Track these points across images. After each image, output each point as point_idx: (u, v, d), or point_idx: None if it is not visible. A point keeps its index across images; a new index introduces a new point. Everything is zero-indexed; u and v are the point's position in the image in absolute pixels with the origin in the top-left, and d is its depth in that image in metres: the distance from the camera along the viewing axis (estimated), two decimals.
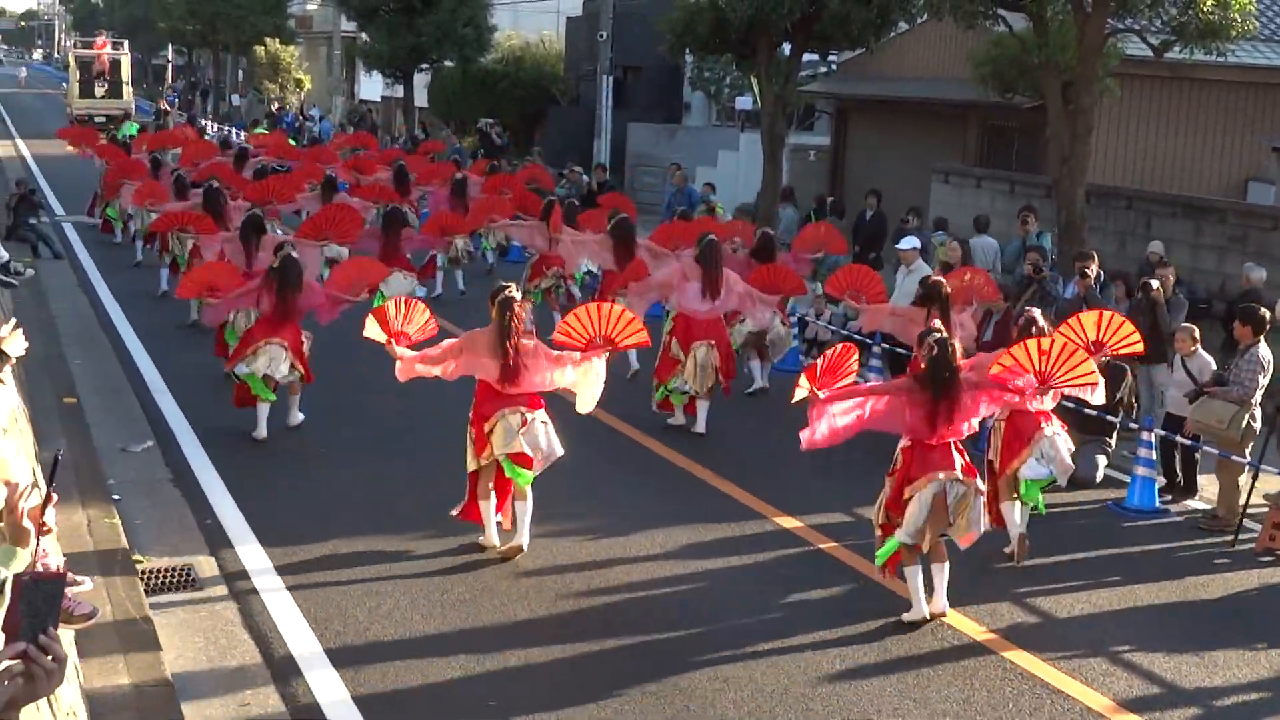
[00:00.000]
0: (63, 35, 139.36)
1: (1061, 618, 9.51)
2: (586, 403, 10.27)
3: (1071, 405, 12.73)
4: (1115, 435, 13.17)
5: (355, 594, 9.30)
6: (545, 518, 10.80)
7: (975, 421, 9.43)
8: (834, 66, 32.05)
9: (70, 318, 18.47)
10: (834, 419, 9.00)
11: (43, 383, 14.08)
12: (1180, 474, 12.76)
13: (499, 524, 10.38)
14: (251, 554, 9.95)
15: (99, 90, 55.21)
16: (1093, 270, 14.79)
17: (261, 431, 12.97)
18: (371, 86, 56.32)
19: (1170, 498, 12.55)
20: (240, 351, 13.12)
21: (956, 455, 9.12)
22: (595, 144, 33.85)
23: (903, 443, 9.27)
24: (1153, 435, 12.39)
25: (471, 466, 10.18)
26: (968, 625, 9.18)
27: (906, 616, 9.19)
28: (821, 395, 8.94)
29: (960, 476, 9.06)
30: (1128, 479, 12.52)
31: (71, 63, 58.44)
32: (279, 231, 18.58)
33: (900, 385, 9.31)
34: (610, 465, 12.80)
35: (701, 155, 33.48)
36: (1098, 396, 10.01)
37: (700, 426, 13.97)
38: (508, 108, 40.27)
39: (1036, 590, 9.97)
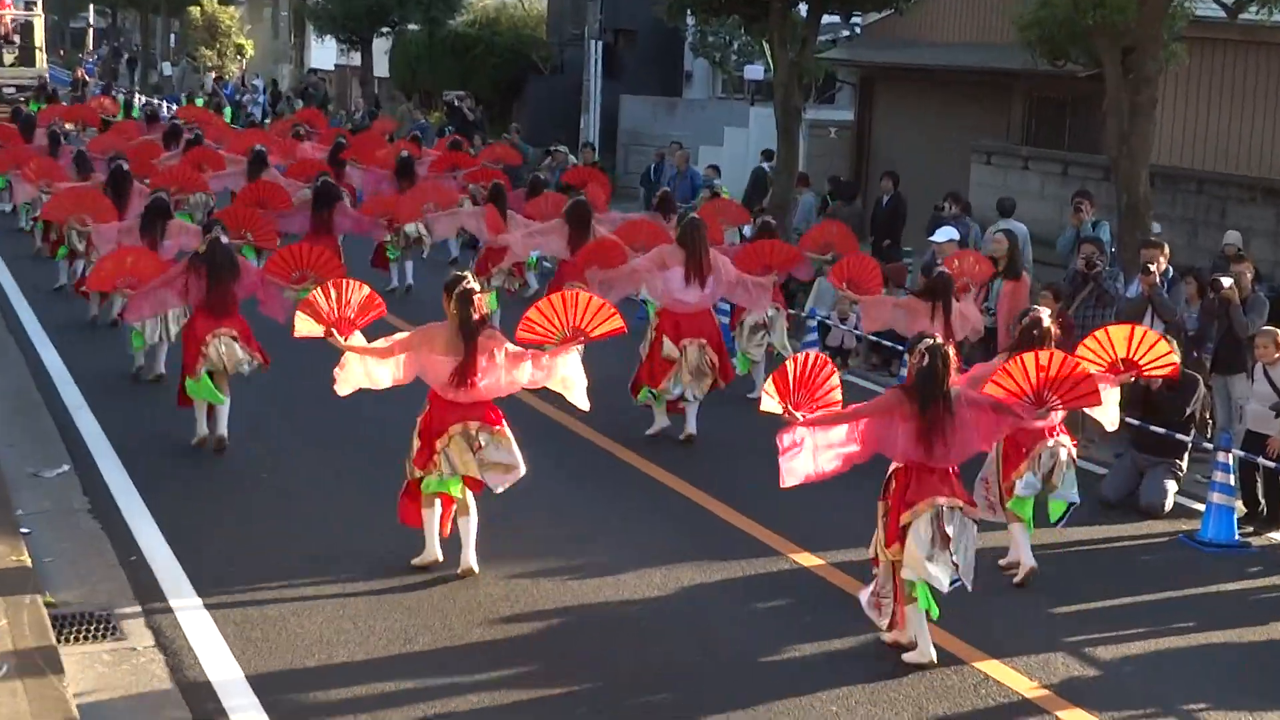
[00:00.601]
0: None
1: (1124, 670, 9.46)
2: (577, 398, 10.39)
3: (1135, 423, 12.73)
4: (1187, 457, 13.12)
5: (304, 645, 9.22)
6: (523, 553, 10.75)
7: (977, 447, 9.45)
8: (858, 30, 32.02)
9: None
10: (817, 452, 8.98)
11: None
12: (1263, 501, 12.71)
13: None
14: (182, 597, 9.86)
15: (7, 57, 55.21)
16: (1159, 265, 14.72)
17: (203, 428, 13.29)
18: (324, 53, 56.25)
19: (1251, 529, 12.49)
20: (193, 360, 13.15)
21: (955, 481, 9.17)
22: (582, 119, 33.83)
23: (894, 464, 9.26)
24: (1230, 456, 12.33)
25: (413, 475, 10.35)
26: (1015, 679, 9.12)
27: (909, 657, 9.17)
28: (800, 417, 8.92)
29: (959, 504, 9.11)
30: (1201, 507, 12.46)
31: None
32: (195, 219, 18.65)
33: (887, 402, 9.26)
34: (595, 489, 12.75)
35: (705, 132, 33.44)
36: (1109, 417, 10.00)
37: (691, 426, 14.14)
38: (481, 78, 40.20)
39: (1095, 638, 9.90)
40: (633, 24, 38.03)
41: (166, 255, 14.73)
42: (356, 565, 10.58)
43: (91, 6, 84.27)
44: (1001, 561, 10.89)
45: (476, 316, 10.07)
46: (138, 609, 9.66)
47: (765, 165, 27.52)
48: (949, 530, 9.01)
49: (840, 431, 9.02)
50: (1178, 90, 22.64)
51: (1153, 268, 14.45)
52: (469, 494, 10.37)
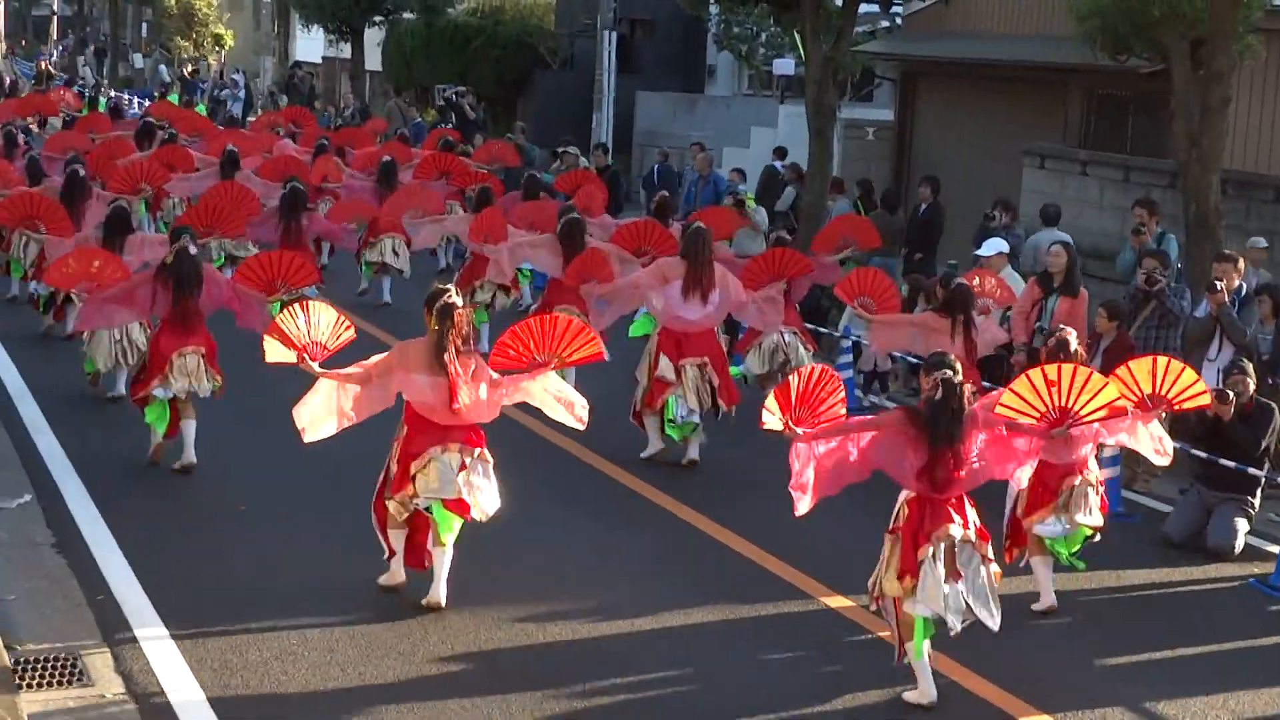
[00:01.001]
0: None
1: None
2: (570, 417, 10.62)
3: (1202, 456, 12.74)
4: (1260, 493, 13.13)
5: (288, 696, 9.26)
6: (525, 594, 10.78)
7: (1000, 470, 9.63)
8: (898, 21, 32.09)
9: None
10: (819, 470, 9.22)
11: None
12: None
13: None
14: (154, 640, 9.90)
15: None
16: (1230, 281, 14.72)
17: (157, 437, 13.63)
18: (310, 45, 56.49)
19: None
20: (153, 373, 13.43)
21: (970, 510, 9.36)
22: (594, 118, 33.94)
23: (906, 494, 9.42)
24: None
25: (387, 501, 10.59)
26: None
27: (910, 697, 9.34)
28: (800, 432, 9.12)
29: (973, 539, 9.29)
30: (1276, 550, 12.46)
31: None
32: (155, 228, 18.80)
33: (895, 420, 9.50)
34: (598, 522, 12.77)
35: (730, 132, 33.50)
36: (1152, 448, 10.18)
37: (694, 452, 14.46)
38: (483, 72, 40.30)
39: (1155, 692, 9.91)
40: (650, 14, 38.15)
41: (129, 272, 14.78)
42: (340, 599, 10.62)
43: None
44: (1035, 606, 10.91)
45: (459, 333, 10.26)
46: (106, 652, 9.69)
47: (778, 164, 27.70)
48: (959, 565, 9.16)
49: (841, 445, 9.23)
50: (1253, 87, 22.64)
51: (1221, 285, 14.43)
52: (453, 523, 10.48)
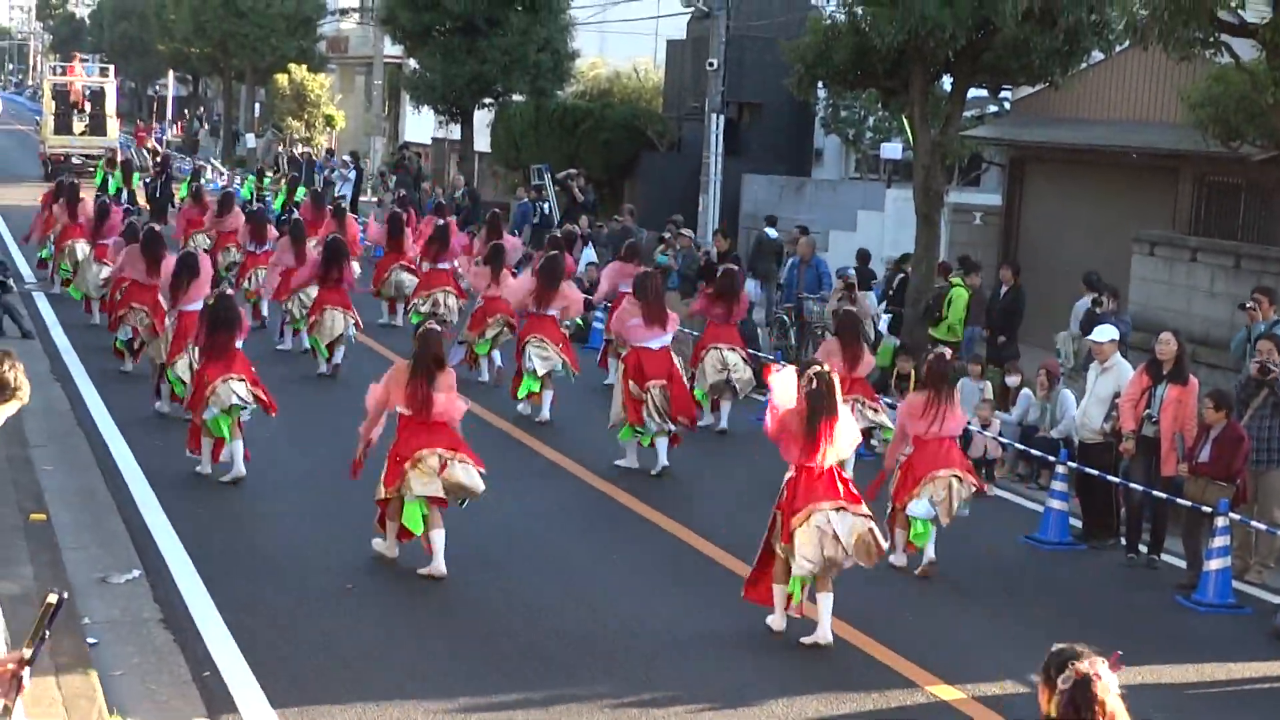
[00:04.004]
0: (40, 58, 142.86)
1: None
2: None
3: None
4: None
5: None
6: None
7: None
8: (1007, 106, 32.09)
9: (40, 413, 18.72)
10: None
11: (5, 494, 14.30)
12: None
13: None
14: (258, 717, 9.98)
15: (77, 125, 56.70)
16: None
17: (206, 468, 15.97)
18: (420, 125, 57.13)
19: None
20: (199, 397, 15.75)
21: (839, 484, 11.73)
22: (701, 200, 34.00)
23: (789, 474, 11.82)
24: None
25: (380, 496, 13.11)
26: None
27: (769, 621, 11.91)
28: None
29: (846, 505, 11.62)
30: None
31: (46, 92, 60.12)
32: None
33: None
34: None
35: (836, 216, 33.56)
36: None
37: (664, 459, 17.03)
38: (591, 154, 40.54)
39: None
40: (758, 97, 38.30)
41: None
42: (457, 681, 10.69)
43: (171, 73, 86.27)
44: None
45: (430, 355, 13.01)
46: None
47: (770, 231, 27.88)
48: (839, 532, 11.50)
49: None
50: None
51: None
52: (419, 518, 12.91)
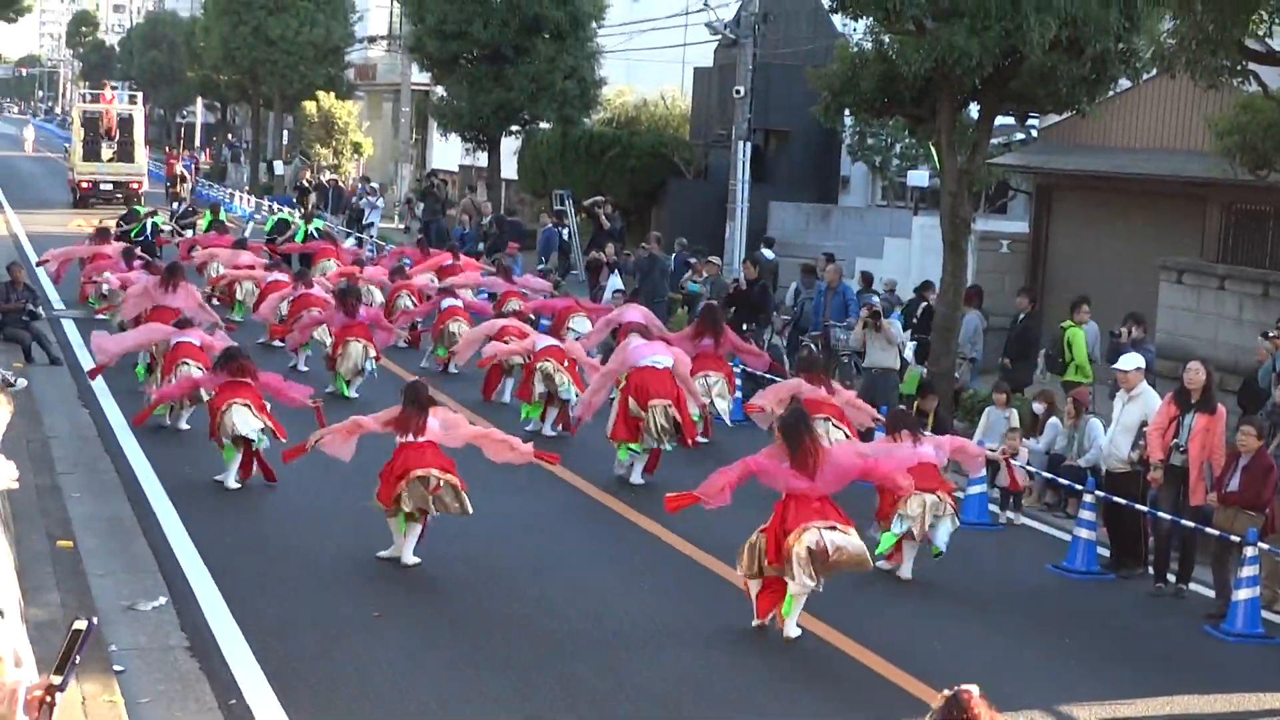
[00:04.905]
0: (69, 86, 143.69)
1: None
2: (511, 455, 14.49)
3: None
4: None
5: None
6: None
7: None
8: (1034, 133, 32.06)
9: (68, 440, 18.82)
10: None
11: (33, 521, 14.34)
12: None
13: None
14: None
15: (106, 152, 56.99)
16: None
17: (231, 481, 16.77)
18: (447, 152, 57.27)
19: None
20: (215, 423, 16.76)
21: (830, 508, 12.44)
22: (728, 227, 34.03)
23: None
24: None
25: (377, 508, 14.12)
26: None
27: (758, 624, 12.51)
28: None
29: (837, 526, 12.29)
30: None
31: (75, 119, 60.42)
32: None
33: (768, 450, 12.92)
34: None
35: (863, 243, 33.54)
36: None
37: (638, 476, 17.70)
38: (618, 181, 40.62)
39: None
40: (785, 124, 38.35)
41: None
42: (480, 714, 10.66)
43: (200, 100, 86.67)
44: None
45: (420, 403, 14.14)
46: None
47: (766, 252, 27.94)
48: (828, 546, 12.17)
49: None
50: None
51: None
52: (404, 525, 14.02)
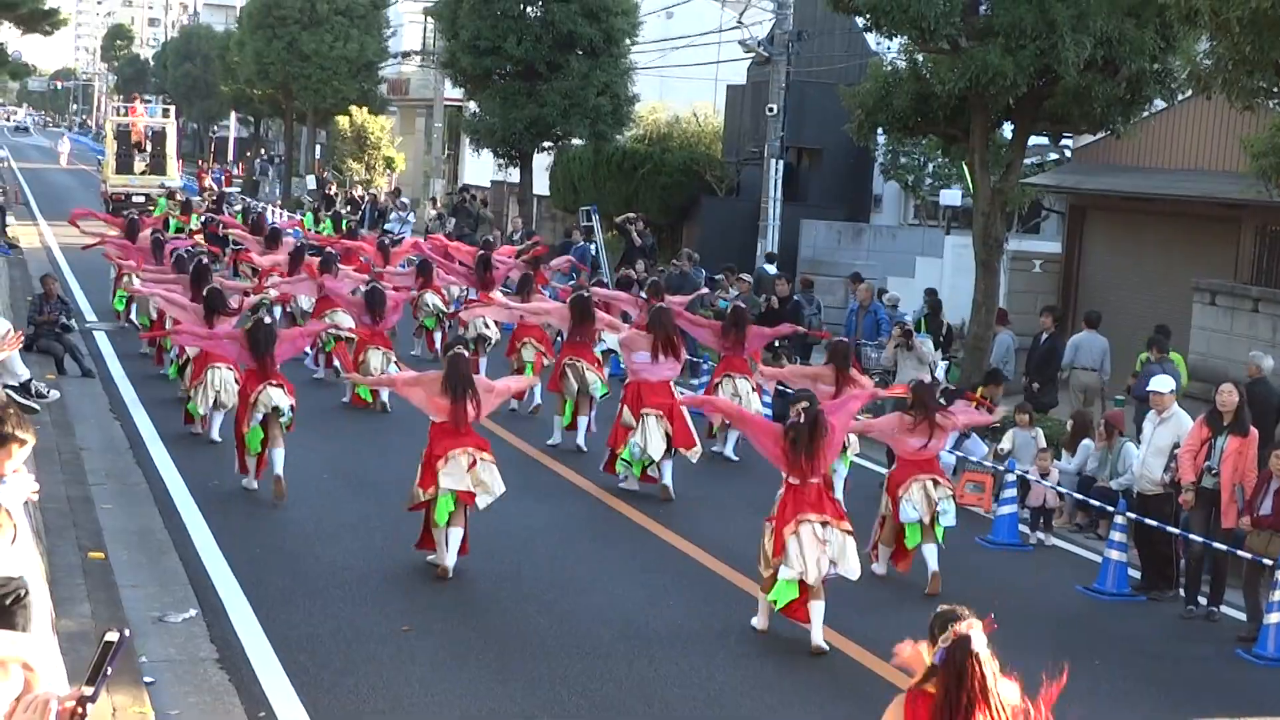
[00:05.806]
0: (104, 99, 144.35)
1: None
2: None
3: None
4: None
5: None
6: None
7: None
8: (1068, 154, 32.03)
9: (100, 451, 18.91)
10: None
11: (64, 533, 14.41)
12: None
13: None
14: None
15: (139, 164, 57.28)
16: None
17: (251, 483, 17.10)
18: (480, 168, 57.36)
19: None
20: (243, 412, 17.05)
21: (827, 501, 12.94)
22: (759, 245, 34.04)
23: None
24: None
25: (419, 499, 14.21)
26: None
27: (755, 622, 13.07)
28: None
29: (831, 520, 12.77)
30: None
31: (109, 132, 60.74)
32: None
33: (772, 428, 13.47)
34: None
35: (895, 262, 33.51)
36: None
37: (666, 479, 17.78)
38: (650, 198, 40.64)
39: None
40: (818, 143, 38.35)
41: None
42: None
43: (233, 114, 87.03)
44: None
45: (461, 376, 14.26)
46: None
47: (769, 267, 27.85)
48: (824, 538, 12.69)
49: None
50: None
51: None
52: (447, 511, 14.02)
